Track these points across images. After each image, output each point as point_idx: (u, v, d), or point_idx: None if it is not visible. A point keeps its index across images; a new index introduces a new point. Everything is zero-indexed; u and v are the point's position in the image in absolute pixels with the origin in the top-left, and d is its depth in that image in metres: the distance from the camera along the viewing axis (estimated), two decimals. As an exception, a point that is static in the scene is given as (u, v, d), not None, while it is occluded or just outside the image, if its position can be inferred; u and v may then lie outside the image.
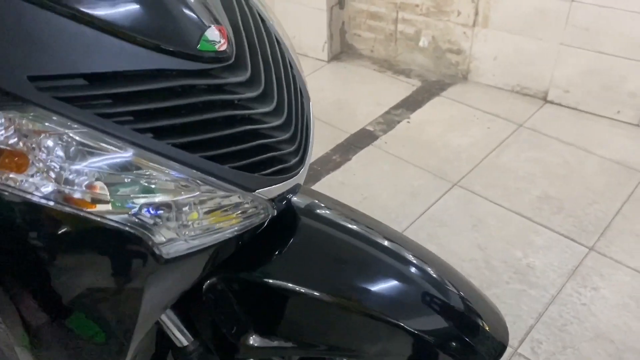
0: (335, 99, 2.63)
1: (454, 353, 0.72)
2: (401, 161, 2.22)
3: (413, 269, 0.76)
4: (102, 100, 0.50)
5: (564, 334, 1.55)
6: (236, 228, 0.59)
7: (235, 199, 0.57)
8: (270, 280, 0.71)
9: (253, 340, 0.73)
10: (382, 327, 0.71)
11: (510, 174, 2.12)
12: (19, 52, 0.48)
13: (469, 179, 2.11)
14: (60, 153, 0.49)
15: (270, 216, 0.63)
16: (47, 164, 0.49)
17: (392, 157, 2.24)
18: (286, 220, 0.76)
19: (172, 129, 0.54)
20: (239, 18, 0.70)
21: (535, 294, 1.66)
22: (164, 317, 0.73)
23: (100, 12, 0.52)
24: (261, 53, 0.66)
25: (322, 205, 0.83)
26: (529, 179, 2.08)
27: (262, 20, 0.73)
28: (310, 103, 0.74)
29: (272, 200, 0.62)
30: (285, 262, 0.73)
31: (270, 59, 0.67)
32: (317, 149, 2.30)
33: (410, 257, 0.78)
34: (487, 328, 0.75)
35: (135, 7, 0.54)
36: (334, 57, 2.92)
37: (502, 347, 0.75)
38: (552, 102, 2.47)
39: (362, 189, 2.09)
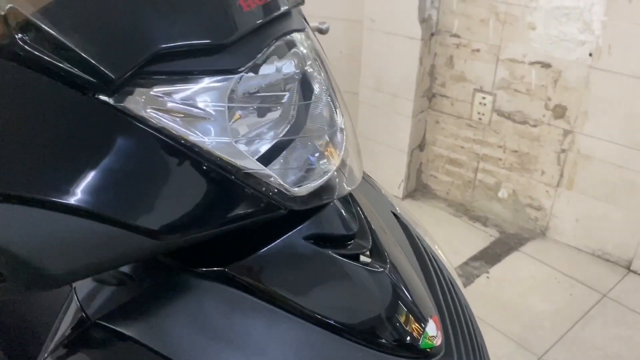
0: (411, 242, 2.63)
1: None
2: (484, 324, 2.17)
3: None
4: None
5: None
6: None
7: None
8: None
9: None
10: None
11: (597, 353, 2.04)
12: None
13: (554, 353, 2.04)
14: None
15: None
16: None
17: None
18: None
19: None
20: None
21: None
22: None
23: None
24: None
25: None
26: (619, 362, 2.00)
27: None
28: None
29: None
30: None
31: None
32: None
33: None
34: None
35: None
36: (409, 194, 2.97)
37: None
38: (635, 272, 2.42)
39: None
